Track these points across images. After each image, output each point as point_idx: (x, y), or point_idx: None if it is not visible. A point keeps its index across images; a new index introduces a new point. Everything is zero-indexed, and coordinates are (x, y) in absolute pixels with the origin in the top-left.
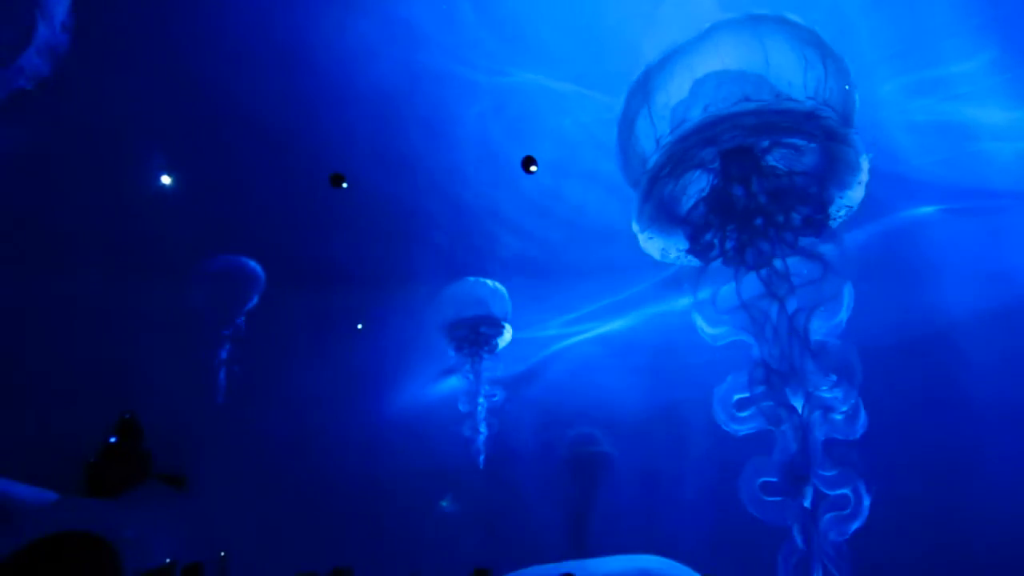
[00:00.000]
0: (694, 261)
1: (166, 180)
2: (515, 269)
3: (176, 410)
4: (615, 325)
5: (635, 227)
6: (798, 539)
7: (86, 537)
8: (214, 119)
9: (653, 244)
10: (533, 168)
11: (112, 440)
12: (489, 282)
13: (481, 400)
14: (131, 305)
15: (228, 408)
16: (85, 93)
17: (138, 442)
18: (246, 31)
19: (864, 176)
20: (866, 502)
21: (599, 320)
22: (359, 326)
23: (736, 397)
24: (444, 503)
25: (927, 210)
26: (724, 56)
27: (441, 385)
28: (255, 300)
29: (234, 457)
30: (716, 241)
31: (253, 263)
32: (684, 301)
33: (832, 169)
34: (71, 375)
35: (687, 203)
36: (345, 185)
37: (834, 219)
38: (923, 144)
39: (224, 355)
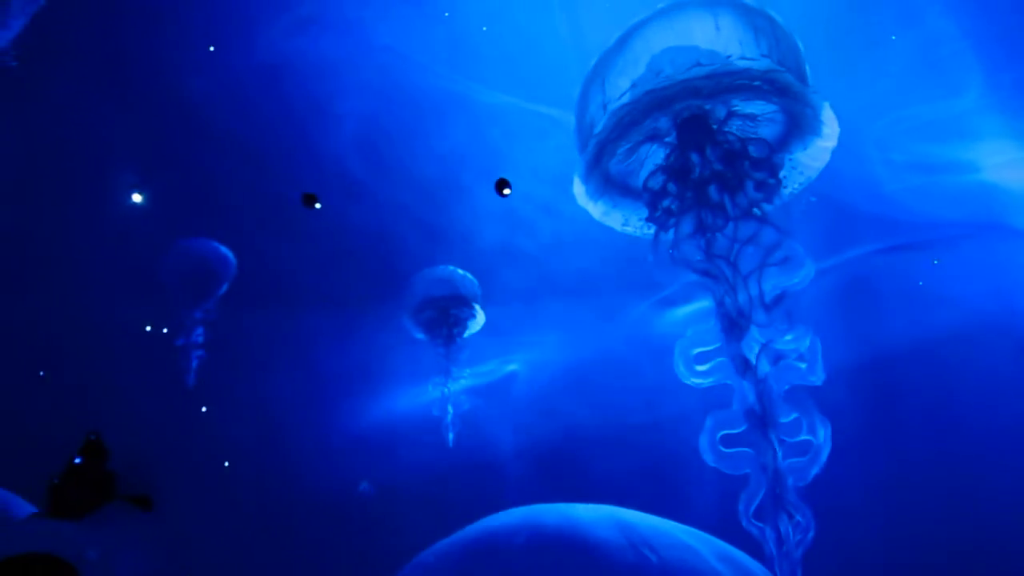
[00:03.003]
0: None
1: (137, 199)
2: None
3: (143, 430)
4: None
5: (579, 189)
6: (759, 484)
7: (47, 559)
8: (185, 135)
9: (605, 214)
10: (507, 191)
11: (77, 461)
12: (459, 270)
13: (449, 386)
14: (97, 323)
15: (196, 425)
16: (54, 108)
17: (103, 463)
18: (222, 49)
19: (829, 136)
20: (825, 448)
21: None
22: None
23: (696, 351)
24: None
25: (884, 243)
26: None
27: (413, 398)
28: (225, 287)
29: (202, 475)
30: (674, 207)
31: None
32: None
33: (794, 131)
34: (35, 394)
35: (643, 173)
36: (318, 206)
37: (788, 185)
38: (896, 176)
39: (196, 339)
